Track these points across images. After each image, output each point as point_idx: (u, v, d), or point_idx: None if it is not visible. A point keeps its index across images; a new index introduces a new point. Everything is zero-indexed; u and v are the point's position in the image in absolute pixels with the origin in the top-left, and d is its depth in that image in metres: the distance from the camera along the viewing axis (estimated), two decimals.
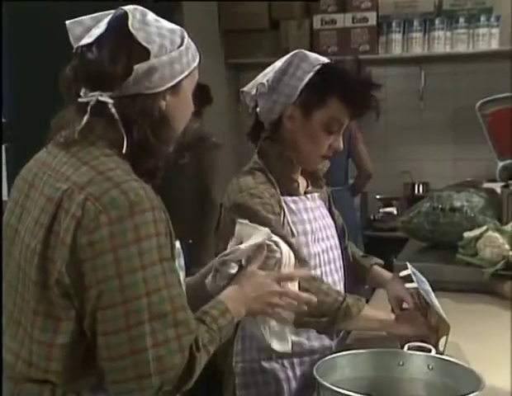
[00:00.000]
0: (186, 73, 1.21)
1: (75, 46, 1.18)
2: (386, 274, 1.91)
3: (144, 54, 1.15)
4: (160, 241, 1.09)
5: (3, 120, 2.41)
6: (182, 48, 1.21)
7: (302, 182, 1.78)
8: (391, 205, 4.33)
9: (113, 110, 1.13)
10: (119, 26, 1.16)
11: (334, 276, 1.76)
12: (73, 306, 1.09)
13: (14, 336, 1.16)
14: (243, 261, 1.31)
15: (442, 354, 1.48)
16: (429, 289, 1.71)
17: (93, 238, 1.05)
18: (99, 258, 1.05)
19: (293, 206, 1.70)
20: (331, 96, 1.63)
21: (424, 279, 1.73)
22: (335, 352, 1.43)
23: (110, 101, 1.13)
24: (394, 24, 4.21)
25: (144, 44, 1.15)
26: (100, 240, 1.05)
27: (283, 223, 1.66)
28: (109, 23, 1.17)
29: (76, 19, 1.19)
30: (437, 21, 4.14)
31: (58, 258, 1.08)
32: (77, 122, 1.15)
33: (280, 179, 1.69)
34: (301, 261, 1.53)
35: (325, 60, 1.69)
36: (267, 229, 1.32)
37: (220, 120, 4.31)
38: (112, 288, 1.05)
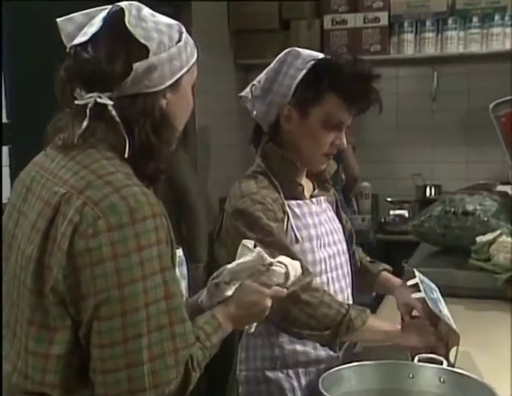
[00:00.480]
0: (185, 69, 1.18)
1: (68, 45, 1.14)
2: (395, 280, 1.84)
3: (143, 51, 1.11)
4: (161, 249, 1.05)
5: (5, 121, 2.39)
6: (181, 43, 1.16)
7: (308, 185, 1.73)
8: (402, 208, 4.27)
9: (113, 112, 1.09)
10: (115, 23, 1.12)
11: (341, 283, 1.71)
12: (69, 314, 1.05)
13: (11, 346, 1.13)
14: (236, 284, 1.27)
15: (453, 366, 1.43)
16: (439, 297, 1.65)
17: (91, 245, 1.01)
18: (98, 266, 1.01)
19: (297, 211, 1.64)
20: (326, 91, 1.57)
21: (433, 286, 1.67)
22: (342, 363, 1.38)
23: (109, 102, 1.09)
24: (406, 24, 4.14)
25: (143, 41, 1.11)
26: (98, 247, 1.01)
27: (287, 228, 1.60)
28: (104, 20, 1.12)
29: (67, 16, 1.15)
30: (450, 21, 4.08)
31: (54, 265, 1.04)
32: (76, 125, 1.10)
33: (283, 183, 1.63)
34: (304, 270, 1.49)
35: (319, 56, 1.64)
36: (258, 250, 1.28)
37: (228, 121, 4.28)
38: (112, 299, 1.01)
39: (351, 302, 1.77)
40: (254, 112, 1.66)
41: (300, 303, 1.50)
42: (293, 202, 1.64)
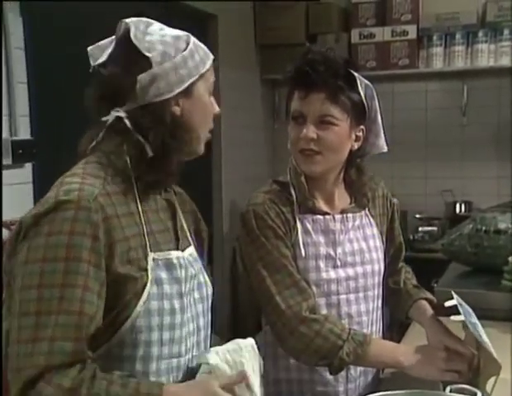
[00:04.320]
0: (196, 76, 1.21)
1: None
2: (428, 312, 1.71)
3: (146, 63, 1.16)
4: (75, 240, 1.05)
5: (29, 138, 2.39)
6: (186, 53, 1.20)
7: (340, 199, 1.65)
8: (431, 225, 4.18)
9: (127, 122, 1.16)
10: (123, 40, 1.18)
11: (360, 306, 1.63)
12: None
13: None
14: None
15: None
16: (477, 322, 1.56)
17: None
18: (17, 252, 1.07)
19: (309, 226, 1.59)
20: (291, 86, 1.59)
21: (470, 310, 1.59)
22: (368, 391, 1.31)
23: (124, 114, 1.16)
24: (435, 37, 4.08)
25: (146, 53, 1.16)
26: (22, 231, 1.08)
27: (293, 243, 1.57)
28: (116, 38, 1.19)
29: (96, 44, 1.22)
30: (480, 34, 4.00)
31: None
32: (91, 139, 1.20)
33: (298, 196, 1.60)
34: (303, 291, 1.51)
35: None
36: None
37: (255, 135, 4.25)
38: (17, 274, 1.06)
39: (379, 326, 1.71)
40: None
41: (296, 333, 1.48)
42: (308, 217, 1.60)
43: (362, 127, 1.61)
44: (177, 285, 1.20)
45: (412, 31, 4.12)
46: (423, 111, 4.33)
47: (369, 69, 4.18)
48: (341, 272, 1.60)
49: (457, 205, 4.21)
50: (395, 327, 2.55)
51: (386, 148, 1.69)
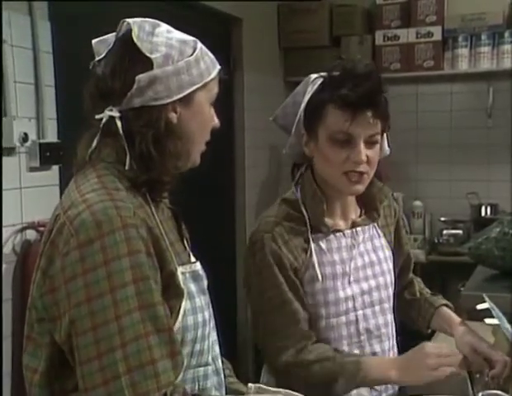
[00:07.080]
0: (198, 84, 1.15)
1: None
2: (455, 317, 1.69)
3: (148, 64, 1.11)
4: (136, 259, 1.02)
5: (56, 141, 2.41)
6: (191, 58, 1.14)
7: (351, 214, 1.61)
8: (456, 228, 4.14)
9: (119, 123, 1.10)
10: (124, 39, 1.14)
11: (378, 319, 1.58)
12: (48, 332, 1.07)
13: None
14: None
15: None
16: (509, 327, 1.54)
17: (65, 263, 1.02)
18: (71, 283, 1.01)
19: (324, 245, 1.54)
20: (325, 105, 1.45)
21: (501, 315, 1.57)
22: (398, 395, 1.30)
23: (117, 114, 1.10)
24: (460, 38, 4.04)
25: (148, 54, 1.11)
26: (70, 264, 1.01)
27: (308, 266, 1.51)
28: (116, 37, 1.15)
29: (100, 38, 1.18)
30: (506, 34, 3.96)
31: (34, 282, 1.08)
32: (88, 144, 1.14)
33: (312, 217, 1.53)
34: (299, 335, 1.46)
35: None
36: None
37: (278, 138, 4.24)
38: (82, 314, 1.00)
39: (394, 339, 1.66)
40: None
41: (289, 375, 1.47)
42: (321, 236, 1.54)
43: None
44: (204, 296, 1.20)
45: (437, 33, 4.08)
46: (448, 113, 4.30)
47: (393, 71, 4.16)
48: (355, 288, 1.55)
49: (483, 208, 4.16)
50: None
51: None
